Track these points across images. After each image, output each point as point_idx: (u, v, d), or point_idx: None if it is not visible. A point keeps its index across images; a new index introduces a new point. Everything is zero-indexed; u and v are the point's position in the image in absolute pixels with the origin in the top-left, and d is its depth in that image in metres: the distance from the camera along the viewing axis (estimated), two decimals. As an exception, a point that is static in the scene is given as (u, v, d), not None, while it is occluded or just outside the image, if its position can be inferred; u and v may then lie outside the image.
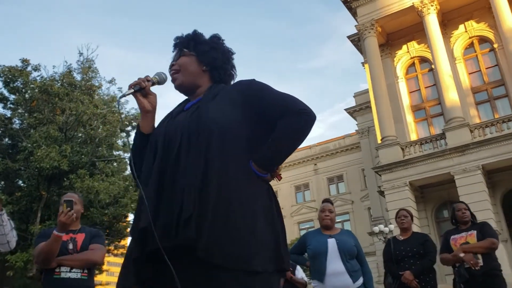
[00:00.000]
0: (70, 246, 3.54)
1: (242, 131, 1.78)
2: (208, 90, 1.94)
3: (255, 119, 1.82)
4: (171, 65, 2.00)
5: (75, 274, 3.48)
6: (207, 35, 2.07)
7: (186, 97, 2.07)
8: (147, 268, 1.70)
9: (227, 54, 2.05)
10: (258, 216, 1.68)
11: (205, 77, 2.00)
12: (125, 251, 20.17)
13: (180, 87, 2.00)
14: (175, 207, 1.64)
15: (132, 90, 1.85)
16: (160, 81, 1.95)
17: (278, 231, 1.73)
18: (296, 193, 42.00)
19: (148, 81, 1.89)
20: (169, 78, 2.02)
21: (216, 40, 2.05)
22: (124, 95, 1.87)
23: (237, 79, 2.09)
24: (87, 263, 3.58)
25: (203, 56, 1.99)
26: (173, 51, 2.06)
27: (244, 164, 1.75)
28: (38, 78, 18.93)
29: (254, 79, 1.93)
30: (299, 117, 1.78)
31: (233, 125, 1.77)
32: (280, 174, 1.96)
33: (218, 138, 1.71)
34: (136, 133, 1.96)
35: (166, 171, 1.73)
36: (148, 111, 1.92)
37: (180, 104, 2.05)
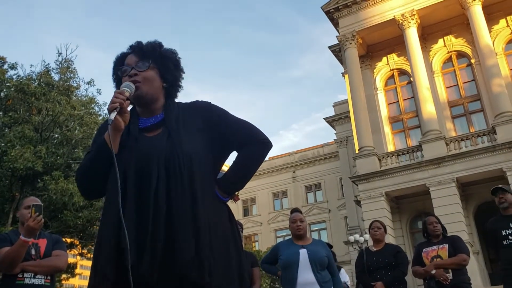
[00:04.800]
0: (33, 252, 3.46)
1: (209, 159, 1.85)
2: (167, 110, 1.91)
3: (216, 145, 1.89)
4: (134, 74, 1.87)
5: (39, 280, 3.41)
6: (167, 44, 2.02)
7: (131, 108, 1.95)
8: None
9: (182, 72, 2.03)
10: (229, 240, 1.80)
11: (161, 93, 1.95)
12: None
13: (141, 98, 1.88)
14: (161, 241, 1.65)
15: (115, 113, 1.72)
16: (131, 94, 1.82)
17: (241, 253, 1.85)
18: (274, 200, 42.04)
19: (125, 96, 1.76)
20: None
21: (176, 57, 2.00)
22: (112, 120, 1.71)
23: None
24: (52, 270, 3.52)
25: (167, 74, 1.95)
26: (129, 55, 1.95)
27: (214, 192, 1.83)
28: (14, 76, 18.57)
29: (210, 103, 1.96)
30: (261, 147, 1.90)
31: (203, 155, 1.81)
32: (238, 196, 2.10)
33: (196, 168, 1.76)
34: (101, 150, 1.80)
35: (144, 204, 1.70)
36: (121, 130, 1.79)
37: (130, 118, 1.84)
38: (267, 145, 1.92)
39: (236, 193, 2.01)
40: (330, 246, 7.08)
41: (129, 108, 1.82)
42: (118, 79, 1.98)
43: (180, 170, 1.73)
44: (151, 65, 1.90)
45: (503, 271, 4.78)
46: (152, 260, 1.64)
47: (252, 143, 1.89)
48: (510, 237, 4.67)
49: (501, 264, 4.84)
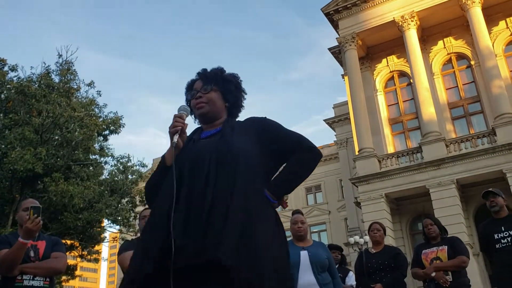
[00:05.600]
0: (32, 254, 3.46)
1: (260, 162, 1.97)
2: (226, 123, 2.14)
3: (267, 153, 2.03)
4: (199, 96, 2.15)
5: (38, 282, 3.41)
6: (221, 65, 2.32)
7: (199, 126, 2.25)
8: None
9: (243, 93, 2.29)
10: (273, 240, 1.85)
11: (224, 111, 2.22)
12: (98, 257, 19.72)
13: (204, 116, 2.17)
14: (201, 230, 1.74)
15: (177, 136, 1.97)
16: (188, 115, 2.12)
17: (286, 255, 1.92)
18: (273, 202, 42.00)
19: (183, 119, 2.04)
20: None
21: (237, 80, 2.26)
22: (175, 143, 1.97)
23: None
24: (51, 272, 3.52)
25: (228, 94, 2.21)
26: (197, 81, 2.22)
27: (262, 192, 1.93)
28: (15, 78, 18.57)
29: (266, 118, 2.18)
30: (310, 153, 2.05)
31: (253, 156, 1.94)
32: (286, 202, 2.15)
33: (243, 165, 1.88)
34: (160, 167, 2.05)
35: (193, 196, 1.84)
36: (180, 149, 2.02)
37: (195, 132, 2.22)
38: (315, 151, 2.06)
39: (286, 199, 2.11)
40: (341, 249, 7.13)
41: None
42: (189, 102, 2.24)
43: (227, 165, 1.87)
44: (213, 87, 2.18)
45: (496, 275, 4.81)
46: (189, 248, 1.72)
47: (302, 149, 2.04)
48: (502, 241, 4.68)
49: (494, 268, 4.86)
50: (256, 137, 2.04)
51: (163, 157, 2.07)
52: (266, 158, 2.02)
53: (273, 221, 1.92)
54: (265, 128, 2.09)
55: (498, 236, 4.72)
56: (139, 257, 1.83)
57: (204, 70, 2.24)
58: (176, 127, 1.99)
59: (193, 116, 2.24)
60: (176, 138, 1.97)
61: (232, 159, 1.88)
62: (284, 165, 2.06)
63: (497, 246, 4.71)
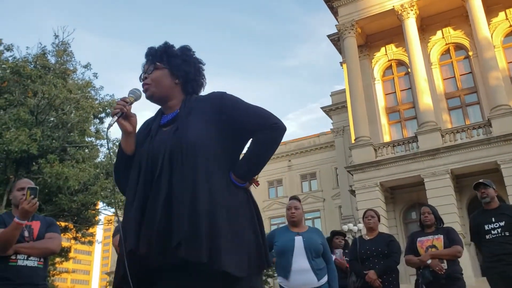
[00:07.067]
0: (26, 234, 3.45)
1: (219, 147, 1.91)
2: (183, 105, 2.03)
3: (229, 132, 1.95)
4: (144, 78, 2.05)
5: (32, 262, 3.41)
6: (177, 44, 2.14)
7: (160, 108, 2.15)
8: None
9: (198, 66, 2.13)
10: (244, 224, 1.84)
11: (177, 89, 2.08)
12: (92, 239, 19.77)
13: (151, 98, 2.06)
14: (156, 223, 1.76)
15: (116, 118, 1.94)
16: (136, 98, 2.03)
17: (260, 236, 1.89)
18: (269, 188, 42.12)
19: (127, 103, 1.96)
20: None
21: (187, 52, 2.11)
22: (111, 125, 1.94)
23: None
24: (45, 252, 3.51)
25: (176, 70, 2.06)
26: (145, 62, 2.10)
27: (225, 178, 1.89)
28: (10, 58, 18.36)
29: (225, 92, 2.04)
30: (272, 132, 1.93)
31: (210, 143, 1.88)
32: (258, 181, 2.10)
33: (200, 157, 1.83)
34: (119, 155, 2.04)
35: (150, 191, 1.85)
36: (130, 133, 1.99)
37: (156, 116, 2.12)
38: (278, 129, 1.94)
39: (256, 178, 2.05)
40: (344, 235, 7.16)
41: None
42: None
43: (182, 159, 1.82)
44: (157, 65, 2.04)
45: (486, 264, 4.85)
46: (149, 242, 1.76)
47: (263, 129, 1.92)
48: (492, 232, 4.73)
49: (484, 258, 4.90)
50: (215, 117, 1.94)
51: (119, 144, 2.05)
52: (227, 141, 1.94)
53: (243, 203, 1.90)
54: (223, 107, 1.95)
55: (488, 227, 4.76)
56: (121, 265, 1.85)
57: (150, 48, 2.10)
58: (115, 109, 1.94)
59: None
60: (113, 120, 1.93)
61: (185, 156, 1.82)
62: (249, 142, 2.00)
63: (487, 237, 4.76)
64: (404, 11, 24.21)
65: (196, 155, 1.82)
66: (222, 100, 1.99)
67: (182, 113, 1.98)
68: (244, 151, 2.05)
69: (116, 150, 2.21)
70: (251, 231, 1.85)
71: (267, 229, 35.99)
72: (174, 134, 1.91)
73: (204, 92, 2.17)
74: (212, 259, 1.69)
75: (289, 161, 41.72)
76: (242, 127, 1.95)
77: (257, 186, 2.10)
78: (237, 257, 1.75)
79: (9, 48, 18.56)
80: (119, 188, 2.07)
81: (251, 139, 1.96)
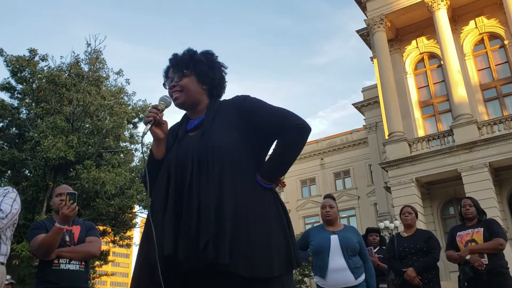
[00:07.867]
0: (67, 238, 3.55)
1: (244, 150, 1.95)
2: (208, 110, 2.08)
3: (254, 135, 1.99)
4: (173, 86, 2.09)
5: (74, 266, 3.51)
6: (200, 49, 2.18)
7: (185, 113, 2.21)
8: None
9: (221, 71, 2.17)
10: (271, 225, 1.86)
11: (204, 95, 2.13)
12: (130, 242, 20.11)
13: (182, 106, 2.11)
14: (193, 229, 1.79)
15: (149, 126, 1.99)
16: (167, 105, 2.09)
17: (288, 236, 1.91)
18: (302, 187, 41.92)
19: (159, 110, 2.02)
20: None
21: (211, 57, 2.15)
22: (145, 133, 2.01)
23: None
24: (86, 256, 3.61)
25: (202, 77, 2.11)
26: (170, 69, 2.15)
27: (251, 180, 1.92)
28: (45, 68, 18.86)
29: (248, 96, 2.08)
30: (296, 132, 1.95)
31: (235, 147, 1.92)
32: (284, 182, 2.12)
33: (226, 161, 1.87)
34: (149, 160, 2.09)
35: (182, 196, 1.88)
36: (161, 139, 2.05)
37: (182, 121, 2.18)
38: (302, 129, 1.95)
39: (282, 179, 2.06)
40: (379, 232, 7.08)
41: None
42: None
43: (208, 164, 1.87)
44: (186, 72, 2.09)
45: None
46: (187, 247, 1.78)
47: (287, 130, 1.94)
48: None
49: None
50: (239, 120, 1.99)
51: (151, 150, 2.10)
52: (252, 143, 1.98)
53: (270, 205, 1.93)
54: (246, 110, 2.00)
55: None
56: (139, 266, 1.89)
57: (175, 55, 2.15)
58: (148, 117, 1.99)
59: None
60: (147, 128, 1.98)
61: (211, 161, 1.87)
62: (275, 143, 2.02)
63: None
64: (435, 2, 23.68)
65: (222, 159, 1.87)
66: (245, 103, 2.03)
67: (208, 118, 2.04)
68: (270, 152, 2.08)
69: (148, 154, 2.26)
70: (278, 231, 1.87)
71: (301, 229, 35.86)
72: (200, 140, 1.96)
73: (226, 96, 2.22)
74: (236, 260, 1.72)
75: (322, 159, 41.40)
76: (266, 129, 1.98)
77: (283, 187, 2.13)
78: (264, 258, 1.76)
79: (44, 58, 19.08)
80: (146, 188, 2.08)
81: (277, 140, 1.99)
